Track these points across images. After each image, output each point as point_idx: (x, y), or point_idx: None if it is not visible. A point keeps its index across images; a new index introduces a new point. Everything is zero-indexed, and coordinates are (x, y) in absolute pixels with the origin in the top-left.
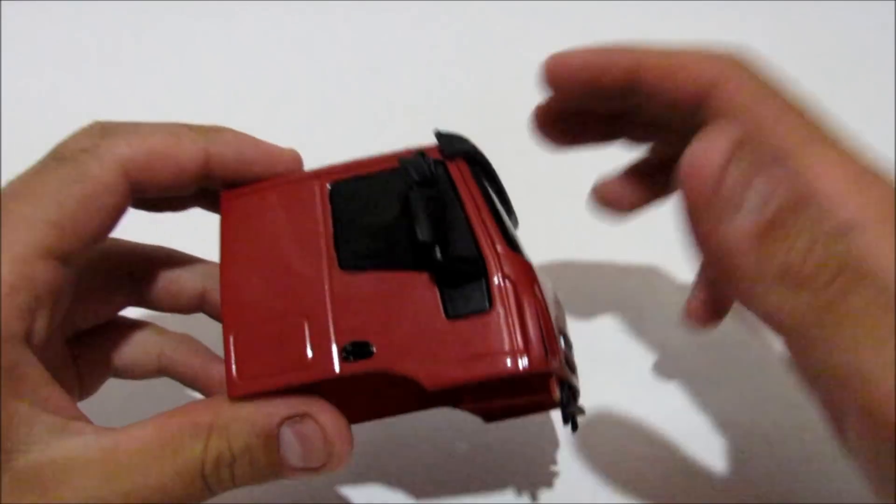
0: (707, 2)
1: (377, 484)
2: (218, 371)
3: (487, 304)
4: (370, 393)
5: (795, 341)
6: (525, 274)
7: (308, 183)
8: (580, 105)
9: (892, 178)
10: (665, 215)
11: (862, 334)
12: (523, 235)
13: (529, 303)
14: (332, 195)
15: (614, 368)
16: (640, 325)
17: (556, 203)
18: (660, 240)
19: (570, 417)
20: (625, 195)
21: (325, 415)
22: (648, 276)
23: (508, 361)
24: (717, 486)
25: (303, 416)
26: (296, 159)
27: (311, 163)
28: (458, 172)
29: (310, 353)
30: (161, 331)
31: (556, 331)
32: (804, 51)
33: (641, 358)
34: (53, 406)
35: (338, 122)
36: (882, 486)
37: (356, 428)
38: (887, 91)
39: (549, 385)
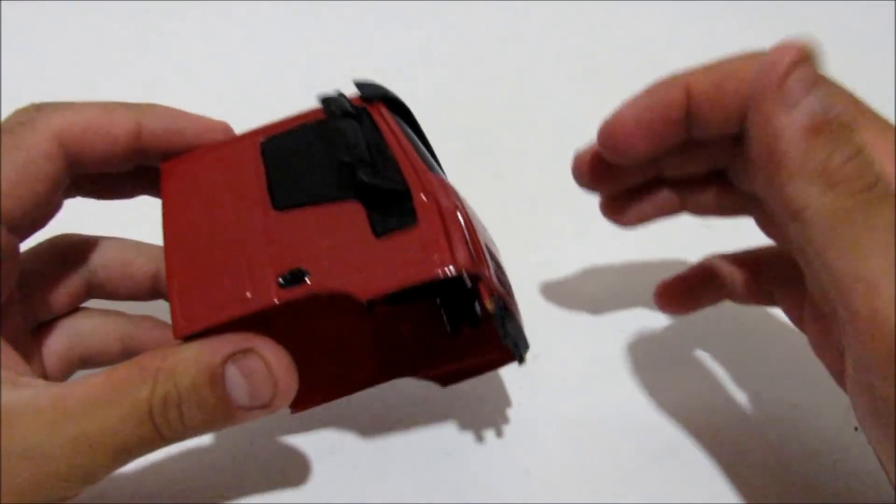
0: (707, 2)
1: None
2: None
3: (413, 220)
4: (322, 352)
5: (812, 238)
6: (446, 190)
7: (241, 142)
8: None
9: None
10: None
11: (876, 245)
12: (518, 237)
13: (451, 215)
14: (265, 150)
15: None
16: (635, 327)
17: (554, 202)
18: (658, 242)
19: (511, 339)
20: (633, 210)
21: (269, 349)
22: (643, 274)
23: (437, 266)
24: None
25: (246, 351)
26: (226, 130)
27: None
28: (379, 114)
29: (249, 288)
30: (120, 314)
31: (483, 245)
32: None
33: (632, 360)
34: (5, 362)
35: None
36: (876, 419)
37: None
38: (887, 91)
39: (480, 291)
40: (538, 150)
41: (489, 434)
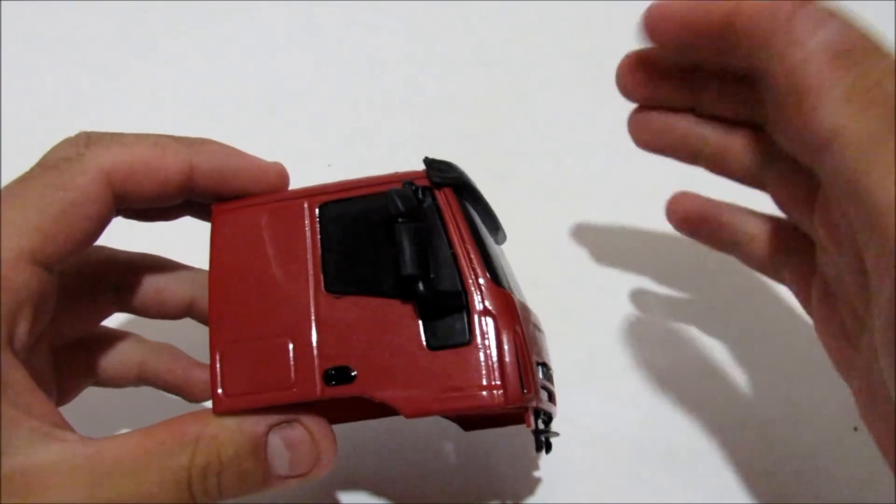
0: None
1: (364, 487)
2: (200, 377)
3: (468, 338)
4: (351, 404)
5: (846, 166)
6: (506, 308)
7: (298, 202)
8: (674, 58)
9: None
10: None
11: None
12: (518, 238)
13: (508, 338)
14: (322, 215)
15: (595, 382)
16: (629, 336)
17: (554, 203)
18: (658, 243)
19: (544, 443)
20: (656, 127)
21: (311, 420)
22: (644, 275)
23: (485, 395)
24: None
25: (290, 421)
26: (280, 173)
27: (302, 167)
28: (445, 201)
29: (293, 375)
30: (141, 340)
31: (533, 365)
32: None
33: (625, 371)
34: (37, 412)
35: (331, 125)
36: None
37: (342, 431)
38: None
39: (525, 417)
40: (538, 150)
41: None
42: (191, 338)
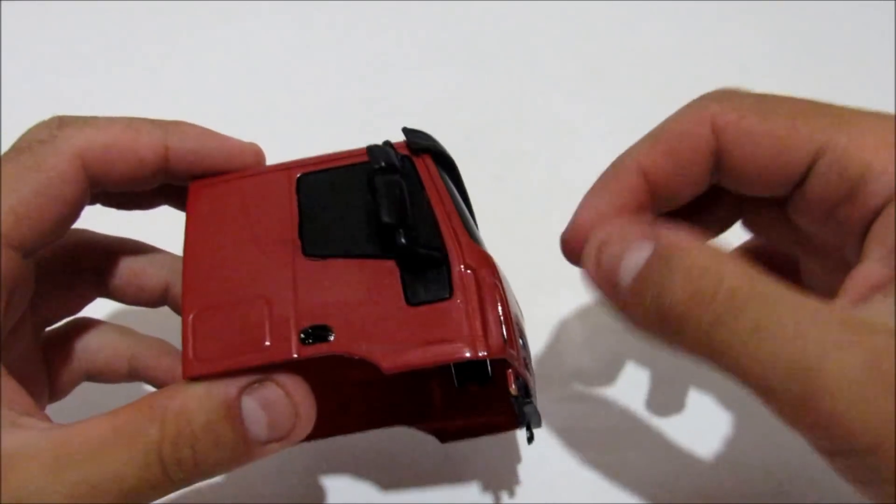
0: (707, 2)
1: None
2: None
3: (448, 293)
4: (330, 397)
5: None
6: (486, 264)
7: (277, 174)
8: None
9: None
10: None
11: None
12: (517, 238)
13: (490, 292)
14: (300, 186)
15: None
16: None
17: (554, 203)
18: None
19: (526, 421)
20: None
21: (285, 377)
22: None
23: (468, 347)
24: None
25: (262, 381)
26: (257, 153)
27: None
28: (424, 167)
29: (269, 336)
30: (133, 333)
31: (515, 324)
32: (804, 51)
33: (616, 374)
34: (5, 399)
35: (331, 125)
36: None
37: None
38: (887, 91)
39: (507, 377)
40: (538, 150)
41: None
42: (170, 329)
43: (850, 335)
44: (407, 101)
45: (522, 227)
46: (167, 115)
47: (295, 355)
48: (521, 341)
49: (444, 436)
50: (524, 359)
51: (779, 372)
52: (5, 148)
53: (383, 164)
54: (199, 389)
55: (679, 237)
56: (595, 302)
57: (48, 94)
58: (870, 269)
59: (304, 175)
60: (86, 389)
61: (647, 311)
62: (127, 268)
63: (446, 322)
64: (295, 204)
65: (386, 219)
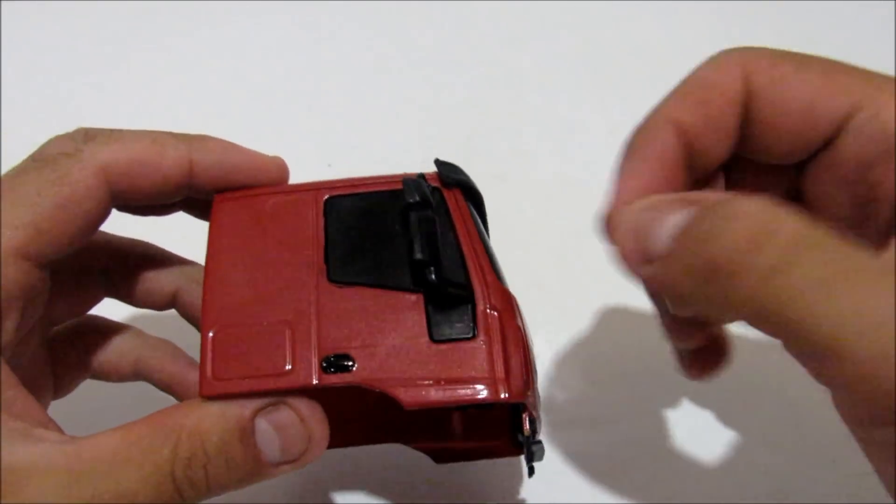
0: (707, 2)
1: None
2: (195, 380)
3: (472, 332)
4: (333, 416)
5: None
6: (510, 305)
7: (304, 194)
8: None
9: None
10: None
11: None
12: (518, 238)
13: (513, 334)
14: (328, 209)
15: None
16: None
17: (554, 203)
18: None
19: (533, 459)
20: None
21: (299, 401)
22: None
23: (489, 389)
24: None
25: (277, 404)
26: (281, 167)
27: (302, 167)
28: (454, 201)
29: (289, 361)
30: (140, 334)
31: (533, 365)
32: (804, 51)
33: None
34: (18, 410)
35: (331, 125)
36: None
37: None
38: None
39: (521, 419)
40: (538, 150)
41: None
42: (177, 333)
43: None
44: (408, 102)
45: (524, 226)
46: (167, 114)
47: (315, 383)
48: (535, 376)
49: (440, 457)
50: (537, 395)
51: (849, 329)
52: (5, 147)
53: (418, 198)
54: (213, 409)
55: (722, 194)
56: (595, 301)
57: (48, 94)
58: None
59: (332, 198)
60: (87, 385)
61: (690, 266)
62: (137, 271)
63: (469, 362)
64: (321, 227)
65: (419, 256)
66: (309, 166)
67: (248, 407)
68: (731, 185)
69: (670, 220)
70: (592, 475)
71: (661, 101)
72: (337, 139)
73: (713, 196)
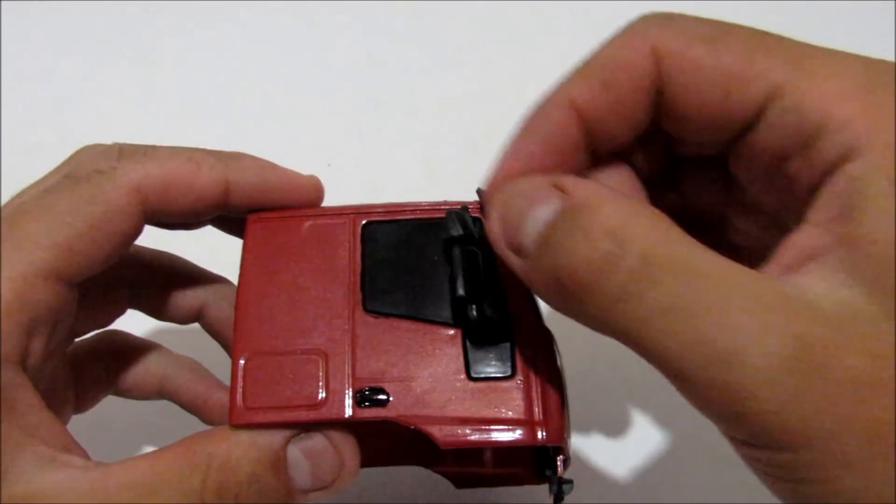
0: (707, 2)
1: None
2: (220, 399)
3: (511, 371)
4: (358, 436)
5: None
6: (549, 345)
7: (341, 218)
8: None
9: None
10: None
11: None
12: None
13: (551, 375)
14: (365, 235)
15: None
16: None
17: None
18: None
19: (560, 490)
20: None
21: (333, 431)
22: None
23: (527, 431)
24: None
25: (310, 433)
26: (317, 187)
27: (302, 167)
28: None
29: (322, 393)
30: (165, 352)
31: (568, 407)
32: None
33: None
34: (44, 434)
35: (331, 125)
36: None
37: None
38: None
39: (555, 462)
40: None
41: None
42: (199, 348)
43: (777, 316)
44: (409, 103)
45: None
46: (167, 114)
47: (349, 416)
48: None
49: (461, 482)
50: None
51: (695, 357)
52: (5, 147)
53: (461, 231)
54: (244, 437)
55: (593, 191)
56: None
57: (48, 95)
58: (808, 234)
59: (371, 224)
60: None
61: (547, 276)
62: (163, 284)
63: (506, 401)
64: (358, 254)
65: (461, 292)
66: (309, 166)
67: (279, 436)
68: (669, 162)
69: (539, 212)
70: (606, 478)
71: (562, 79)
72: (336, 139)
73: (583, 190)
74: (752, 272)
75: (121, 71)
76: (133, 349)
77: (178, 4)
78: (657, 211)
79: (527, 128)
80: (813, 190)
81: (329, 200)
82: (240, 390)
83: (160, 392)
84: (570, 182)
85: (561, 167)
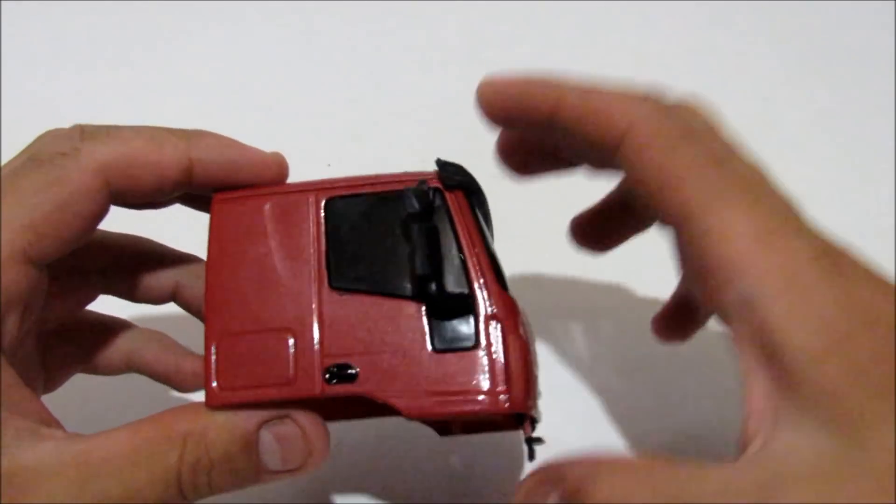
0: (707, 2)
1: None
2: (190, 367)
3: (474, 342)
4: (347, 402)
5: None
6: (512, 314)
7: (304, 195)
8: (526, 134)
9: (805, 228)
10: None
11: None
12: (519, 238)
13: (514, 344)
14: (328, 210)
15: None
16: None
17: (553, 203)
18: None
19: (531, 448)
20: (602, 231)
21: (302, 415)
22: (642, 280)
23: (490, 400)
24: None
25: (281, 417)
26: (280, 164)
27: (302, 167)
28: (456, 204)
29: (292, 371)
30: (132, 327)
31: (535, 373)
32: (804, 51)
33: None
34: (24, 409)
35: (331, 125)
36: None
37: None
38: (887, 91)
39: (523, 425)
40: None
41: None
42: (180, 324)
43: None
44: (408, 102)
45: (523, 226)
46: (167, 114)
47: (318, 393)
48: (536, 374)
49: (443, 430)
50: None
51: None
52: (5, 148)
53: (418, 207)
54: (219, 419)
55: (587, 470)
56: (596, 300)
57: (48, 94)
58: (757, 396)
59: (333, 199)
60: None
61: None
62: (134, 268)
63: (470, 371)
64: (322, 230)
65: (420, 271)
66: (309, 166)
67: (253, 420)
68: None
69: None
70: None
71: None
72: (337, 139)
73: (574, 478)
74: (725, 476)
75: (121, 71)
76: (99, 326)
77: (179, 5)
78: (651, 464)
79: (524, 80)
80: (724, 318)
81: None
82: (213, 373)
83: (128, 366)
84: (566, 467)
85: (526, 118)
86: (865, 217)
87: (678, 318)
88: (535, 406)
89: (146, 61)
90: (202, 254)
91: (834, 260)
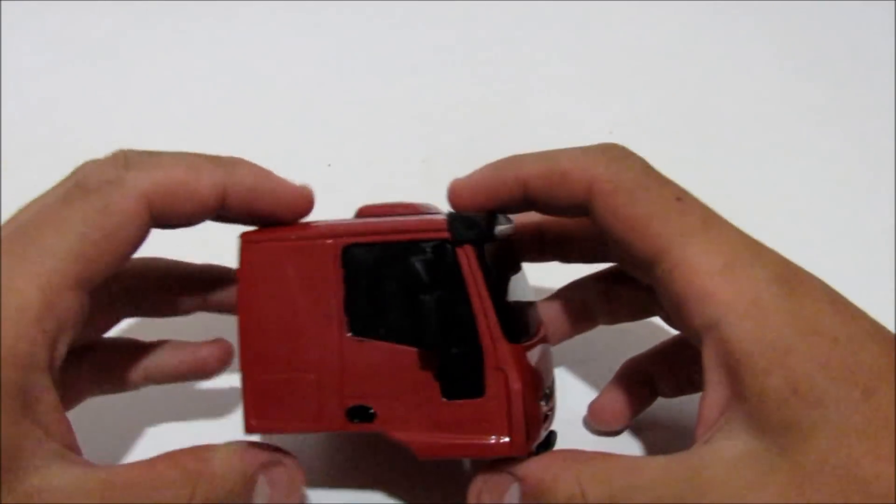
0: (707, 2)
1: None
2: (208, 353)
3: (481, 392)
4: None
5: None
6: (517, 364)
7: (322, 242)
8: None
9: (760, 255)
10: None
11: None
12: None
13: (517, 395)
14: (346, 258)
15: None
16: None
17: None
18: None
19: (548, 443)
20: (618, 410)
21: (291, 461)
22: None
23: (495, 445)
24: None
25: (276, 463)
26: (307, 197)
27: (302, 167)
28: (466, 260)
29: (318, 410)
30: (141, 346)
31: (539, 414)
32: (804, 51)
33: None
34: (55, 432)
35: (331, 125)
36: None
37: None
38: (887, 91)
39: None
40: (538, 149)
41: None
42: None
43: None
44: (408, 102)
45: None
46: (168, 114)
47: (339, 429)
48: (544, 403)
49: (423, 450)
50: (546, 415)
51: None
52: (5, 148)
53: (428, 281)
54: (227, 459)
55: (543, 467)
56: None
57: (48, 95)
58: (714, 398)
59: (350, 247)
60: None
61: None
62: (161, 288)
63: (478, 419)
64: (341, 277)
65: (430, 341)
66: (309, 166)
67: (255, 462)
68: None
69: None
70: None
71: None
72: (337, 139)
73: (533, 476)
74: (670, 460)
75: (122, 71)
76: (116, 353)
77: (179, 5)
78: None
79: (487, 169)
80: (699, 341)
81: (329, 200)
82: (251, 405)
83: (147, 380)
84: (521, 469)
85: (498, 200)
86: (865, 217)
87: (630, 401)
88: (537, 440)
89: (146, 61)
90: (206, 251)
91: (788, 281)
